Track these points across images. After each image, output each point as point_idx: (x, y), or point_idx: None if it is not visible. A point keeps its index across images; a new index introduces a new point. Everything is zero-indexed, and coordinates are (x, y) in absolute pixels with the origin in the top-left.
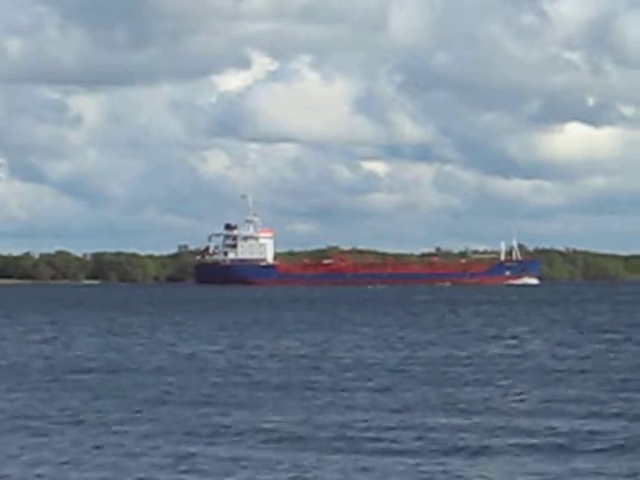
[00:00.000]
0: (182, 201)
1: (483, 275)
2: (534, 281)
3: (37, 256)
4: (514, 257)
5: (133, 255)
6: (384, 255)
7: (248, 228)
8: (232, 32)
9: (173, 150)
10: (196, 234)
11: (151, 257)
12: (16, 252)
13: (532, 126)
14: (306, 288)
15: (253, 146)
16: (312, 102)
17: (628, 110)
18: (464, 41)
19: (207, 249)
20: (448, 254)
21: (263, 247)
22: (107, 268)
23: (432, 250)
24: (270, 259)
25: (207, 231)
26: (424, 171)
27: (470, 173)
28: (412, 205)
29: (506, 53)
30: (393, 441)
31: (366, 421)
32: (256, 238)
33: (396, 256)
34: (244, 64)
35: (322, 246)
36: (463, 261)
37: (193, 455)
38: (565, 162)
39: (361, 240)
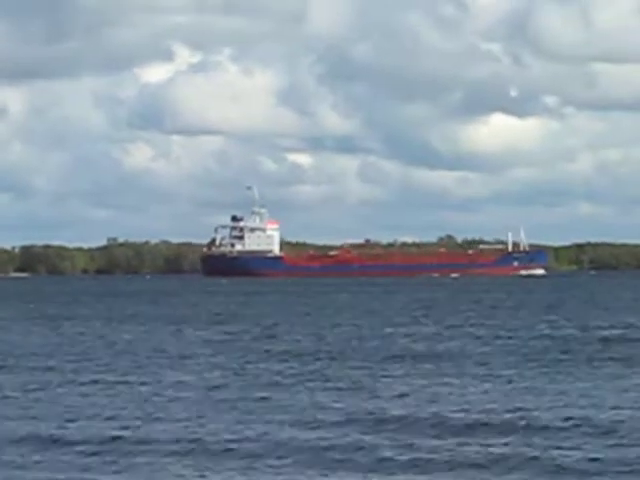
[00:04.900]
0: (107, 194)
1: (491, 266)
2: (541, 271)
3: None
4: (521, 248)
5: (61, 248)
6: (313, 247)
7: (255, 220)
8: (153, 24)
9: (96, 143)
10: (123, 227)
11: (79, 250)
12: None
13: (455, 117)
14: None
15: (176, 138)
16: (235, 94)
17: (551, 100)
18: (384, 32)
19: (213, 241)
20: (376, 245)
21: (270, 239)
22: (36, 261)
23: (361, 241)
24: (277, 251)
25: (135, 223)
26: (348, 163)
27: (394, 164)
28: (338, 197)
29: (426, 44)
30: None
31: None
32: (263, 230)
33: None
34: (166, 56)
35: None
36: (470, 252)
37: None
38: (489, 153)
39: (288, 232)
